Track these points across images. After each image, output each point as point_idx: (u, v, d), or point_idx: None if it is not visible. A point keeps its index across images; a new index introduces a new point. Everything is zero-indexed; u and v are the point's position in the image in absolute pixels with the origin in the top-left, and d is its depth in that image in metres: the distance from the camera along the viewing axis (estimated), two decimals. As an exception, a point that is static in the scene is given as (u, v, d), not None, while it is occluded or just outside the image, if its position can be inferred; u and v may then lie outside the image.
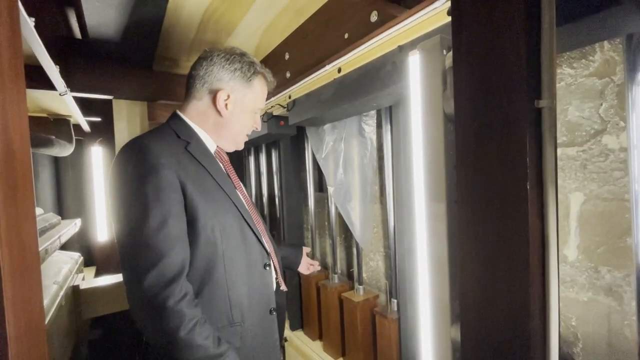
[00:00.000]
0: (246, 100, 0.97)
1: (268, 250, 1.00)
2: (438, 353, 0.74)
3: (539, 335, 0.50)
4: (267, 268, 0.99)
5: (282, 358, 1.06)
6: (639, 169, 0.75)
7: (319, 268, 1.43)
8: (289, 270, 1.37)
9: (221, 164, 0.98)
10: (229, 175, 0.99)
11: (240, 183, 1.05)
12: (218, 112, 0.94)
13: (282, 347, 1.15)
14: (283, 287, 1.08)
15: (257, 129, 1.06)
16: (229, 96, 0.93)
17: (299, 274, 2.09)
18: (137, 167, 0.81)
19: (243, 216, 0.94)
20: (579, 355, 0.97)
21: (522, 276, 0.49)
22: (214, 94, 0.93)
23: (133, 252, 0.79)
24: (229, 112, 0.95)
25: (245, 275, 0.92)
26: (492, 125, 0.52)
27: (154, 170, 0.80)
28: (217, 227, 0.87)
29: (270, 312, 0.98)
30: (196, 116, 0.95)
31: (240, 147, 1.05)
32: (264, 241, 0.99)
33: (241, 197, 0.99)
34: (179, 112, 0.96)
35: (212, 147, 0.97)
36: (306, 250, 1.39)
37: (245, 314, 0.91)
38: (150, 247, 0.77)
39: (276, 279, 1.05)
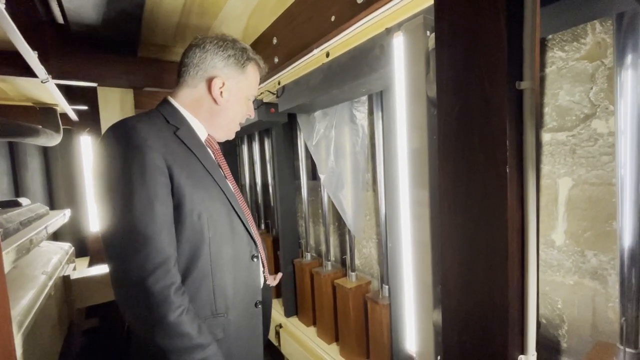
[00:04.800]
0: (240, 87, 0.96)
1: (256, 241, 0.98)
2: (421, 336, 0.75)
3: (517, 319, 0.50)
4: (255, 260, 0.97)
5: (263, 351, 1.03)
6: (625, 154, 0.75)
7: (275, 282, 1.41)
8: None
9: (212, 153, 0.97)
10: (219, 165, 0.97)
11: (231, 174, 1.03)
12: (213, 99, 0.93)
13: (266, 338, 1.14)
14: (270, 282, 1.08)
15: (250, 116, 1.05)
16: (224, 84, 0.92)
17: (292, 262, 2.13)
18: (122, 148, 0.78)
19: (232, 205, 0.92)
20: (564, 336, 0.99)
21: (500, 260, 0.49)
22: (208, 82, 0.92)
23: (118, 238, 0.76)
24: (224, 100, 0.94)
25: (232, 266, 0.90)
26: (474, 108, 0.51)
27: (139, 151, 0.77)
28: (204, 214, 0.85)
29: (256, 305, 0.96)
30: (189, 104, 0.94)
31: (232, 136, 1.04)
32: (253, 232, 0.97)
33: (231, 186, 0.97)
34: (170, 99, 0.95)
35: (202, 135, 0.96)
36: None
37: (229, 306, 0.89)
38: (136, 232, 0.75)
39: (263, 272, 1.04)
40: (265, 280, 1.06)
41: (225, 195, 0.91)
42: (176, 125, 0.89)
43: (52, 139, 2.14)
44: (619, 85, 0.76)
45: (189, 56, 0.93)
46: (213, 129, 0.98)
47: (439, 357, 0.73)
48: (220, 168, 0.97)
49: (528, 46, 0.48)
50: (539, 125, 0.57)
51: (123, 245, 0.76)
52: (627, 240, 0.76)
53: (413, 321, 0.78)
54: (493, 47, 0.49)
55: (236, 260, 0.92)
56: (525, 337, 0.50)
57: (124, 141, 0.78)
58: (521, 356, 0.51)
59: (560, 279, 0.99)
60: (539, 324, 1.02)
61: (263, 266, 1.04)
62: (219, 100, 0.93)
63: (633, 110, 0.73)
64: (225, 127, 0.99)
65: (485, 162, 0.49)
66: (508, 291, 0.48)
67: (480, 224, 0.51)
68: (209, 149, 0.96)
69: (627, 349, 0.76)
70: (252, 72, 0.99)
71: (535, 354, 0.52)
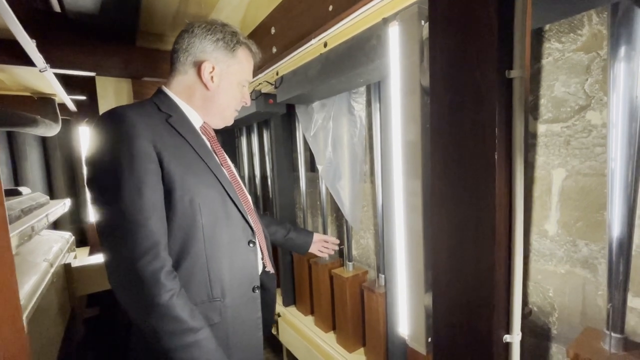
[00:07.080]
0: (232, 72, 0.95)
1: (253, 227, 0.99)
2: (413, 319, 0.77)
3: (503, 301, 0.52)
4: (252, 245, 0.98)
5: (262, 337, 1.03)
6: (616, 146, 0.76)
7: (336, 248, 1.43)
8: (299, 252, 1.44)
9: (207, 140, 0.97)
10: (215, 152, 0.98)
11: (228, 161, 1.03)
12: (204, 85, 0.93)
13: (270, 328, 1.15)
14: (269, 269, 1.08)
15: (246, 104, 1.04)
16: (213, 68, 0.92)
17: (291, 253, 2.14)
18: (111, 136, 0.79)
19: (227, 191, 0.92)
20: (554, 324, 1.01)
21: (488, 245, 0.50)
22: (198, 66, 0.91)
23: (109, 224, 0.78)
24: (215, 85, 0.93)
25: (227, 251, 0.91)
26: (465, 96, 0.52)
27: (127, 139, 0.78)
28: (196, 200, 0.85)
29: (253, 290, 0.97)
30: (182, 91, 0.94)
31: (229, 122, 1.04)
32: (249, 218, 0.98)
33: (226, 173, 0.97)
34: (163, 88, 0.95)
35: (197, 122, 0.96)
36: (319, 236, 1.43)
37: (225, 290, 0.90)
38: (125, 219, 0.76)
39: (262, 259, 1.05)
40: (264, 267, 1.07)
41: (219, 181, 0.91)
42: (169, 113, 0.89)
43: (51, 129, 2.14)
44: (612, 78, 0.76)
45: (179, 42, 0.93)
46: (208, 116, 0.98)
47: (429, 339, 0.76)
48: (216, 155, 0.97)
49: (518, 36, 0.49)
50: (528, 113, 0.58)
51: (113, 232, 0.77)
52: (616, 230, 0.77)
53: (406, 305, 0.81)
54: (484, 37, 0.50)
55: (232, 246, 0.92)
56: (510, 318, 0.52)
57: (113, 129, 0.79)
58: (506, 335, 0.53)
59: (552, 268, 1.01)
60: (530, 311, 1.04)
61: (261, 252, 1.05)
62: (209, 86, 0.93)
63: (625, 103, 0.74)
64: (219, 113, 0.98)
65: (475, 148, 0.50)
66: (495, 274, 0.49)
67: (469, 210, 0.52)
68: (204, 137, 0.96)
69: (614, 334, 0.78)
70: (243, 57, 0.97)
71: (520, 333, 0.54)
